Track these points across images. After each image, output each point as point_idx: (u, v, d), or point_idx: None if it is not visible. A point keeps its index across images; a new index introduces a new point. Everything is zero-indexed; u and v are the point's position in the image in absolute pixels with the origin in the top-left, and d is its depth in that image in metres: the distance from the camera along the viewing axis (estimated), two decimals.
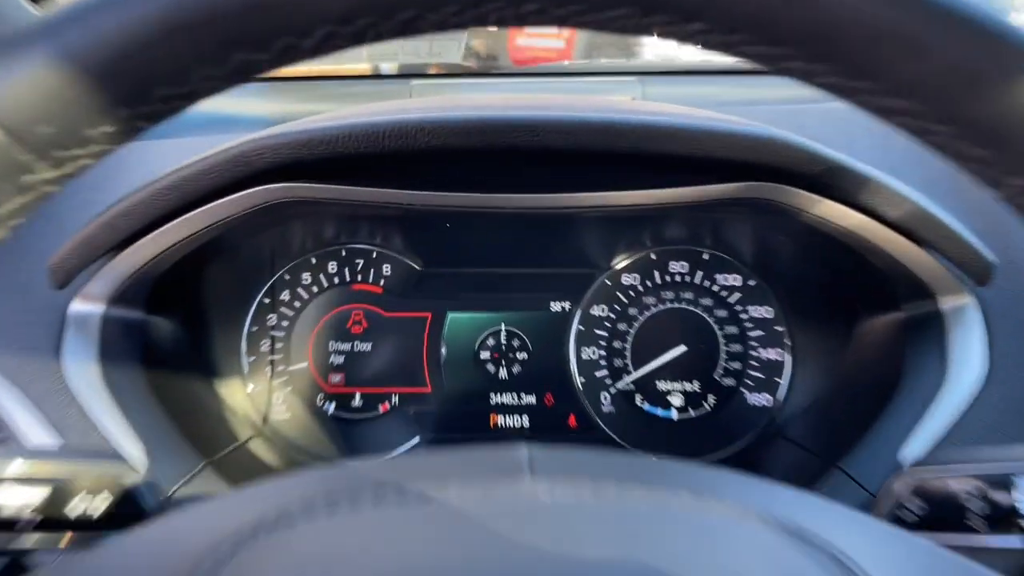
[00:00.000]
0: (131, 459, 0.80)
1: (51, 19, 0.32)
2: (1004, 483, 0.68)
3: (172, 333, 1.20)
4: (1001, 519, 0.69)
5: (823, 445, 1.18)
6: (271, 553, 0.38)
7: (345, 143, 0.92)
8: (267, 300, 1.37)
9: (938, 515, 0.71)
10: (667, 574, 0.36)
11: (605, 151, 0.93)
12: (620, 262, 1.41)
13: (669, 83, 1.46)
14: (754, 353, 1.40)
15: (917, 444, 0.94)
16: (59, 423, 0.91)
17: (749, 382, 1.39)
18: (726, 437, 1.38)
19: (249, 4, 0.31)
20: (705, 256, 1.40)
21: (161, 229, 0.98)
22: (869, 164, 0.95)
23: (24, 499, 0.68)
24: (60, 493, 0.68)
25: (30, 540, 0.68)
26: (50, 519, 0.68)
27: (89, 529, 0.69)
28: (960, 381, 0.96)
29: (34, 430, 0.90)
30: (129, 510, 0.70)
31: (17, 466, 0.69)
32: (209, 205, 0.98)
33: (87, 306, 1.02)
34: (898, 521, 0.72)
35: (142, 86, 0.32)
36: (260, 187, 0.98)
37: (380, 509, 0.42)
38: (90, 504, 0.69)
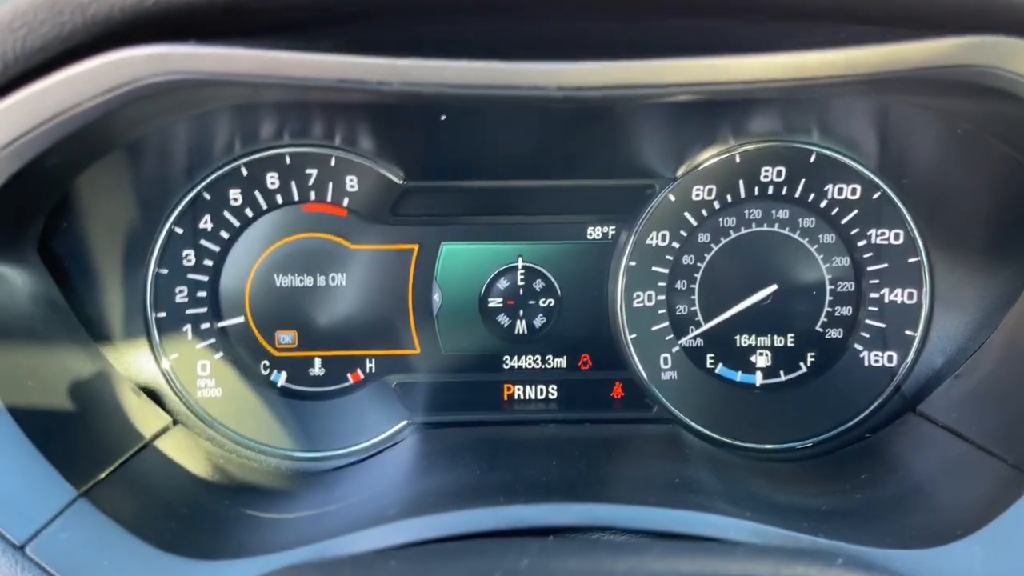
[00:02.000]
0: None
1: None
2: None
3: (29, 289, 1.01)
4: None
5: (985, 431, 1.00)
6: None
7: None
8: (179, 230, 1.18)
9: None
10: None
11: None
12: (689, 168, 1.20)
13: None
14: (875, 295, 1.21)
15: None
16: None
17: (865, 335, 1.21)
18: (830, 411, 1.21)
19: None
20: (811, 157, 1.18)
21: None
22: None
23: None
24: None
25: None
26: None
27: None
28: None
29: None
30: None
31: None
32: (27, 88, 0.74)
33: None
34: None
35: None
36: (112, 53, 0.73)
37: None
38: None
